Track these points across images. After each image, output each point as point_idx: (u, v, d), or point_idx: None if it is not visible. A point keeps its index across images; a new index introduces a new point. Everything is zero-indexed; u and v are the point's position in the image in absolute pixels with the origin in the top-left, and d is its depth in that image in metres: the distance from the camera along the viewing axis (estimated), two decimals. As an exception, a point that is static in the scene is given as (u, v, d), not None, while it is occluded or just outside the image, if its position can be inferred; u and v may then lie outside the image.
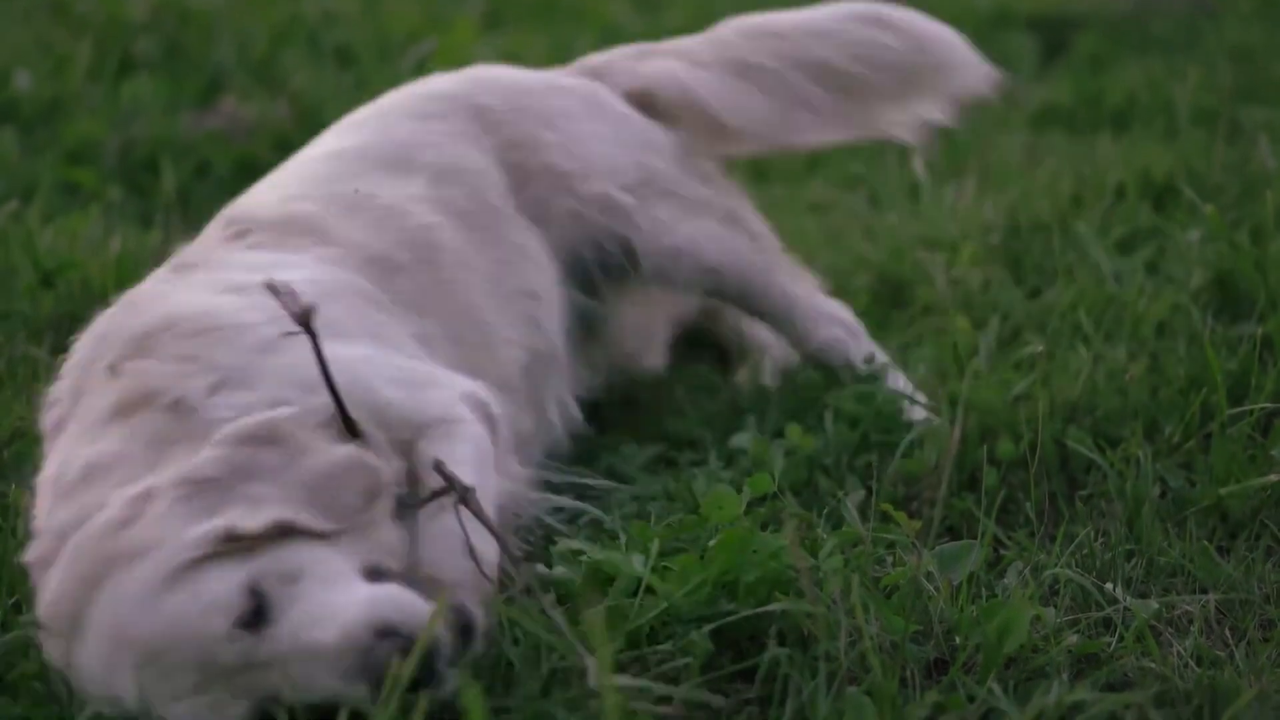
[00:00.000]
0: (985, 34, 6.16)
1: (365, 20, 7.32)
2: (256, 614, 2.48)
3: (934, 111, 3.97)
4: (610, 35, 7.09)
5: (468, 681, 2.35)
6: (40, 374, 3.63)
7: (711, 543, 2.77)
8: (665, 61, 3.90)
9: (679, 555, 2.80)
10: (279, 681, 2.47)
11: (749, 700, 2.64)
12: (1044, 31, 7.42)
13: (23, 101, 6.18)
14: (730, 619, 2.68)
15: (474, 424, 2.94)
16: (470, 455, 2.85)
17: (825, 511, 3.19)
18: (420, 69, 6.58)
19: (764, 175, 5.58)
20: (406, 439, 2.85)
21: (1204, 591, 3.01)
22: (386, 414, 2.83)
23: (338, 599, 2.51)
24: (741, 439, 3.55)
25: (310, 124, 5.87)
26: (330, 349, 2.70)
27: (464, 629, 2.56)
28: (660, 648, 2.66)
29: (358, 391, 2.77)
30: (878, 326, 4.08)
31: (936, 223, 4.84)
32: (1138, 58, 6.91)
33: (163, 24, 7.14)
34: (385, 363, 2.94)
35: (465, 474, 2.73)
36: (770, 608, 2.68)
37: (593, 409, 3.74)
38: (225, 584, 2.48)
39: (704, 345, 4.21)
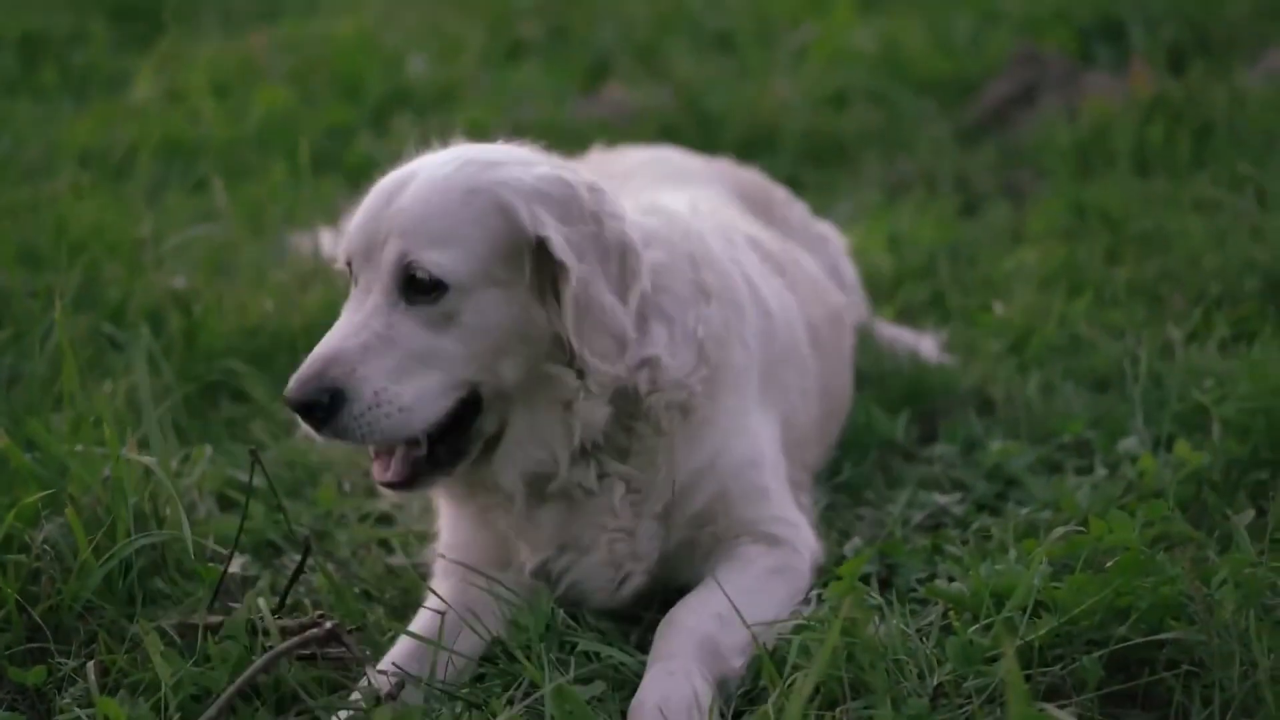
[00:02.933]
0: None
1: (746, 5, 7.41)
2: None
3: None
4: (989, 17, 7.07)
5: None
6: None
7: (1109, 565, 2.78)
8: None
9: (1068, 575, 2.82)
10: None
11: (1139, 725, 2.66)
12: None
13: (417, 87, 6.46)
14: (1123, 645, 2.70)
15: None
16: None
17: (1215, 532, 3.17)
18: (801, 56, 6.68)
19: (1146, 169, 5.50)
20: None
21: None
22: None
23: None
24: (1129, 444, 3.55)
25: (694, 112, 6.00)
26: None
27: None
28: (1050, 669, 2.70)
29: None
30: (1270, 333, 3.98)
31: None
32: None
33: (550, 7, 7.37)
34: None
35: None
36: (1164, 636, 2.69)
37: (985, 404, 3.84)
38: None
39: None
